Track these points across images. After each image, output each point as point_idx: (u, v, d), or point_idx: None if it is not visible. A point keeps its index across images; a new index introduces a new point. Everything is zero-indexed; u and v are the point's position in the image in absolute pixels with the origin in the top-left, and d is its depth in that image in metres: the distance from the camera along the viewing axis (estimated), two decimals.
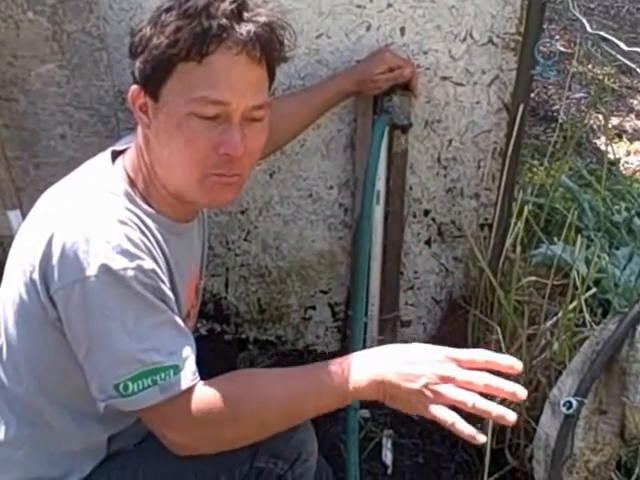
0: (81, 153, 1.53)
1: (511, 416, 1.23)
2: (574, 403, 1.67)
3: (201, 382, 1.36)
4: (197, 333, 2.44)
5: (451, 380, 1.26)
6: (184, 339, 1.39)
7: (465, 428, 1.24)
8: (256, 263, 2.36)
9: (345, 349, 2.38)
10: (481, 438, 1.23)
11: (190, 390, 1.34)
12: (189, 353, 1.37)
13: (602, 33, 2.24)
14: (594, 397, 1.74)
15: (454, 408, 1.26)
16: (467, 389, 1.26)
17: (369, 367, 1.33)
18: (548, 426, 1.79)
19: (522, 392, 1.25)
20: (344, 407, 1.48)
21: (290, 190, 2.23)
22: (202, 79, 1.37)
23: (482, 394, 1.26)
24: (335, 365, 1.35)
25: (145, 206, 1.47)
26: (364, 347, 2.23)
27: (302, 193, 2.24)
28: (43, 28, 1.95)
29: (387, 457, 2.28)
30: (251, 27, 1.36)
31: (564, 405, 1.68)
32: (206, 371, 1.39)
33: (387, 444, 2.30)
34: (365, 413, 2.34)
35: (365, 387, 1.31)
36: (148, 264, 1.36)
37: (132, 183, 1.49)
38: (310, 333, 2.51)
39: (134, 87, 1.45)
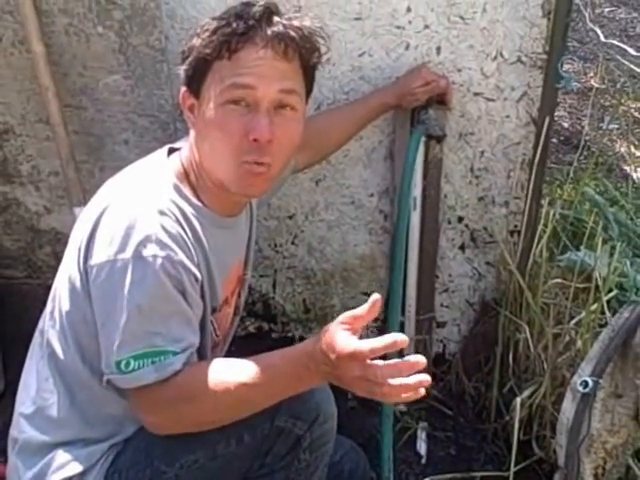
0: (142, 157, 1.72)
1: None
2: (590, 382, 1.80)
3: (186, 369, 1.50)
4: (246, 331, 2.59)
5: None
6: (189, 332, 1.53)
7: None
8: (302, 265, 2.50)
9: None
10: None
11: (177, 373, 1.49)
12: (188, 345, 1.51)
13: (616, 42, 2.37)
14: (610, 381, 1.86)
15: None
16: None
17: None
18: (569, 410, 1.89)
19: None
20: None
21: (334, 197, 2.38)
22: (231, 71, 1.52)
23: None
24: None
25: (194, 199, 1.62)
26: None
27: (345, 200, 2.39)
28: (111, 41, 2.12)
29: (421, 448, 2.41)
30: (279, 28, 1.51)
31: (580, 384, 1.81)
32: None
33: (422, 435, 2.43)
34: (402, 407, 2.46)
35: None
36: (178, 256, 1.49)
37: (185, 177, 1.64)
38: None
39: (183, 89, 1.62)
